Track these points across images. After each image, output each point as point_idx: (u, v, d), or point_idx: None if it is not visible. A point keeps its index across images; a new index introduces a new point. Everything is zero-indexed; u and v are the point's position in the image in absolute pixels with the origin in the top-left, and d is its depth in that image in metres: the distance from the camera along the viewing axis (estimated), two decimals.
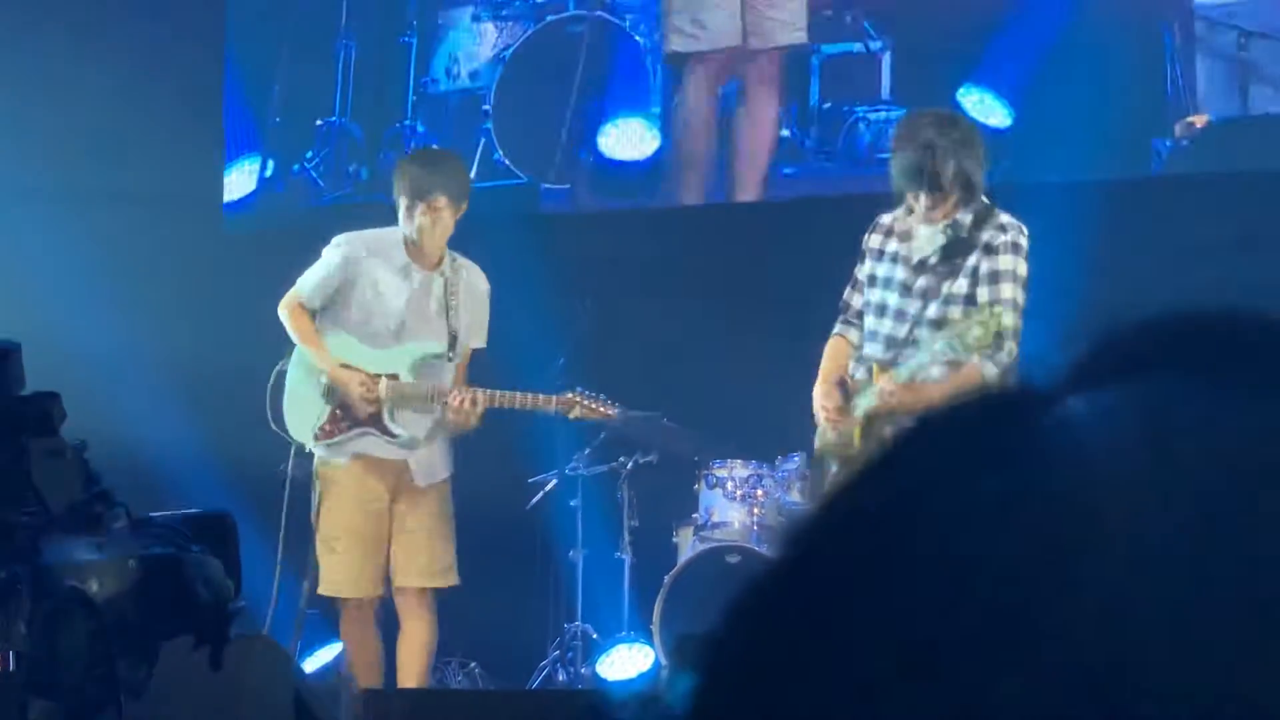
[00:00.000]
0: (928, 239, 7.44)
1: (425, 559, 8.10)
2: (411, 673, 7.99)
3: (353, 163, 11.06)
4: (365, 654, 8.02)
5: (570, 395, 8.19)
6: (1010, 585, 0.65)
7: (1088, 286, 8.34)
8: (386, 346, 8.11)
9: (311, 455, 8.13)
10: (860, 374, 7.50)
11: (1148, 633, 0.64)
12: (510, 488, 9.62)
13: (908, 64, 10.42)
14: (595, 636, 9.18)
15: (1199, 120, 9.76)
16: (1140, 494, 0.65)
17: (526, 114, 10.77)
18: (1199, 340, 0.70)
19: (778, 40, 10.42)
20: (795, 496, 8.90)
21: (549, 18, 10.85)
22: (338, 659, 8.36)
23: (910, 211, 7.45)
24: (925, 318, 7.41)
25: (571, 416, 8.27)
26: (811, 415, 7.78)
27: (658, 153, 10.67)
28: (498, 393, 8.10)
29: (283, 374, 8.11)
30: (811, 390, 7.73)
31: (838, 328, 7.64)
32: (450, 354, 8.19)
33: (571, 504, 9.48)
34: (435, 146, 9.32)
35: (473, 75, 10.92)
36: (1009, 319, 7.22)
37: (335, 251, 8.09)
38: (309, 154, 11.08)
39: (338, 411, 8.01)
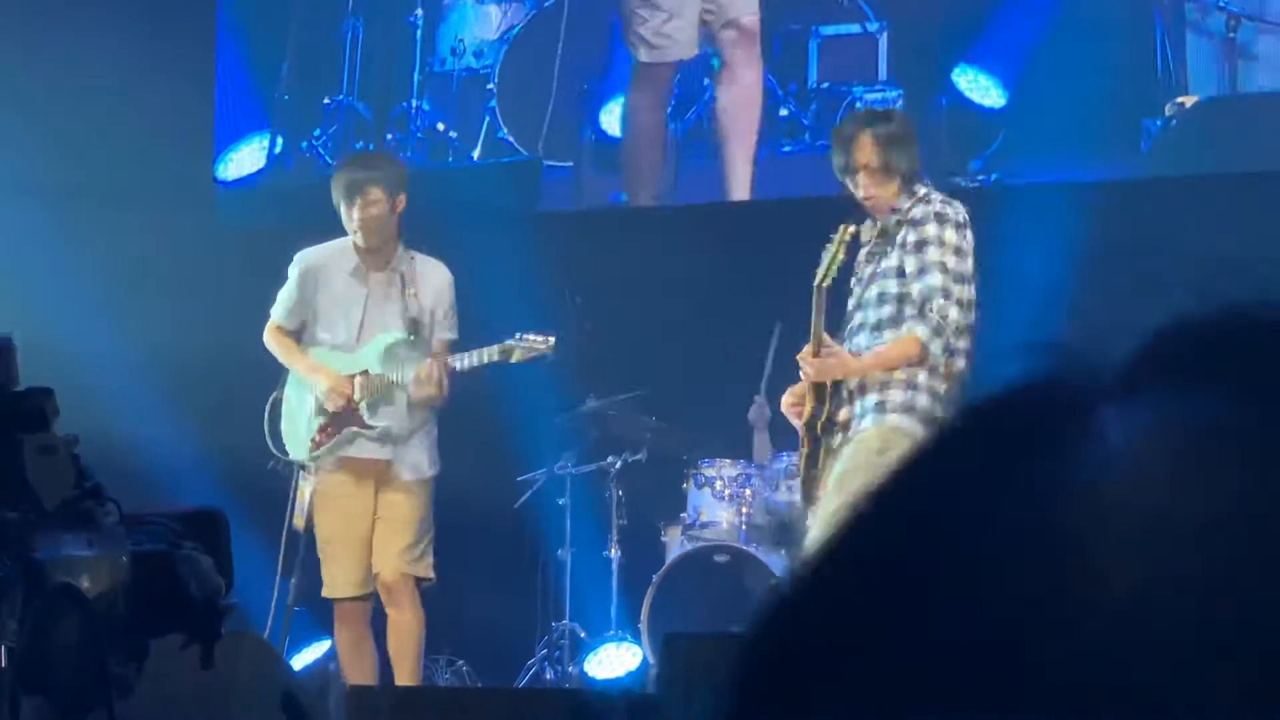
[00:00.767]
0: (870, 229, 7.59)
1: (402, 547, 8.12)
2: (403, 664, 8.07)
3: (360, 140, 11.13)
4: (359, 653, 8.07)
5: (508, 341, 8.20)
6: (1038, 604, 0.63)
7: (1078, 284, 8.38)
8: (353, 350, 8.21)
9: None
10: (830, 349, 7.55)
11: (1172, 660, 0.62)
12: (498, 486, 9.65)
13: (904, 45, 10.50)
14: (583, 635, 9.22)
15: (1188, 101, 9.77)
16: (1176, 525, 0.62)
17: (530, 92, 10.82)
18: (1242, 349, 0.67)
19: (736, 14, 10.40)
20: (784, 496, 8.90)
21: (544, 4, 10.91)
22: (326, 656, 8.38)
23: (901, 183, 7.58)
24: (866, 299, 7.54)
25: (514, 360, 8.27)
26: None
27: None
28: (449, 357, 8.18)
29: (278, 402, 8.21)
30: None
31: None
32: (412, 337, 8.20)
33: (560, 502, 9.51)
34: (362, 150, 9.22)
35: (477, 54, 11.02)
36: (935, 279, 7.31)
37: (294, 269, 8.27)
38: (317, 131, 11.18)
39: (327, 424, 8.03)
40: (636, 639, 8.91)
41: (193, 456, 8.82)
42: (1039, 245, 8.38)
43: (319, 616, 8.39)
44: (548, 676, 9.02)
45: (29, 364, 2.84)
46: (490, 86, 10.92)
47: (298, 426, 8.17)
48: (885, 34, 10.45)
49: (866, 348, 7.51)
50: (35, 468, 2.70)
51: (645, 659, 8.66)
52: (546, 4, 10.96)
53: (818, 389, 7.56)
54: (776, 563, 8.73)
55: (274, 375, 8.37)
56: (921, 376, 7.48)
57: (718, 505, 9.02)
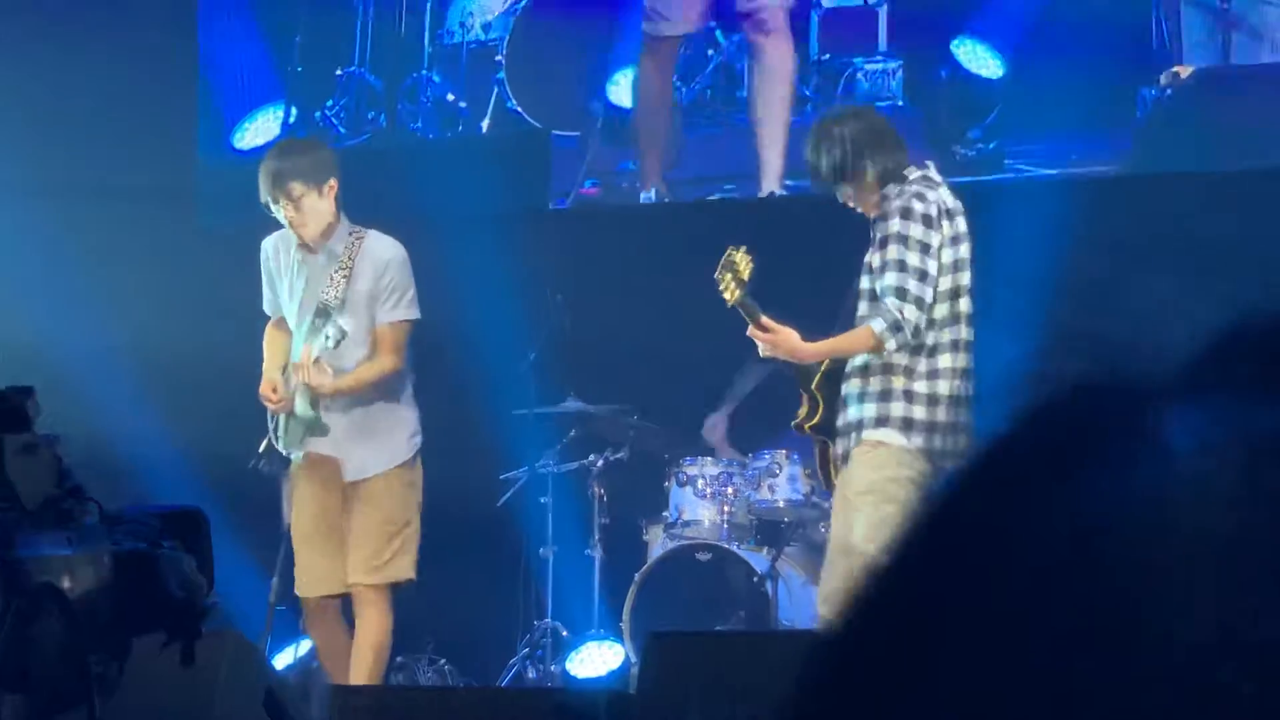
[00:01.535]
0: (888, 218, 7.51)
1: (365, 555, 8.04)
2: (360, 671, 7.95)
3: (371, 110, 11.32)
4: (331, 652, 8.02)
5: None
6: (1112, 595, 0.62)
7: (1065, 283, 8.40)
8: (302, 329, 8.16)
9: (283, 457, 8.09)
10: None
11: (1244, 654, 0.60)
12: (481, 484, 9.68)
13: (904, 17, 10.56)
14: (565, 634, 9.25)
15: (1184, 71, 9.82)
16: (1235, 520, 0.61)
17: (538, 64, 10.98)
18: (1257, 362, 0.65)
19: None
20: (765, 495, 8.92)
21: None
22: (309, 655, 8.39)
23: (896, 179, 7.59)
24: (857, 290, 7.55)
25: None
26: (785, 406, 7.84)
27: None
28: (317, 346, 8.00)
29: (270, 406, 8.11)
30: (787, 389, 7.74)
31: None
32: (320, 321, 8.07)
33: (542, 501, 9.54)
34: (283, 141, 9.25)
35: (485, 28, 11.12)
36: (890, 278, 7.32)
37: (264, 250, 8.19)
38: (329, 102, 11.28)
39: (286, 420, 8.00)
40: (619, 638, 8.92)
41: (174, 455, 8.80)
42: (1045, 238, 8.39)
43: (299, 614, 8.36)
44: (530, 675, 9.05)
45: (9, 363, 2.86)
46: (499, 58, 11.03)
47: (275, 425, 8.10)
48: (885, 6, 10.52)
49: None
50: (16, 467, 2.70)
51: (628, 658, 8.67)
52: None
53: (809, 395, 7.61)
54: (759, 561, 8.74)
55: (256, 371, 8.29)
56: (917, 386, 7.46)
57: (700, 504, 9.05)
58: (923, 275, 7.37)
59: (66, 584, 2.75)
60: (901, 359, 7.42)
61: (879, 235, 7.49)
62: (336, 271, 8.10)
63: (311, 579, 7.88)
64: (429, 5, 11.19)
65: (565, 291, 9.70)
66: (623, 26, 10.91)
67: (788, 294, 7.85)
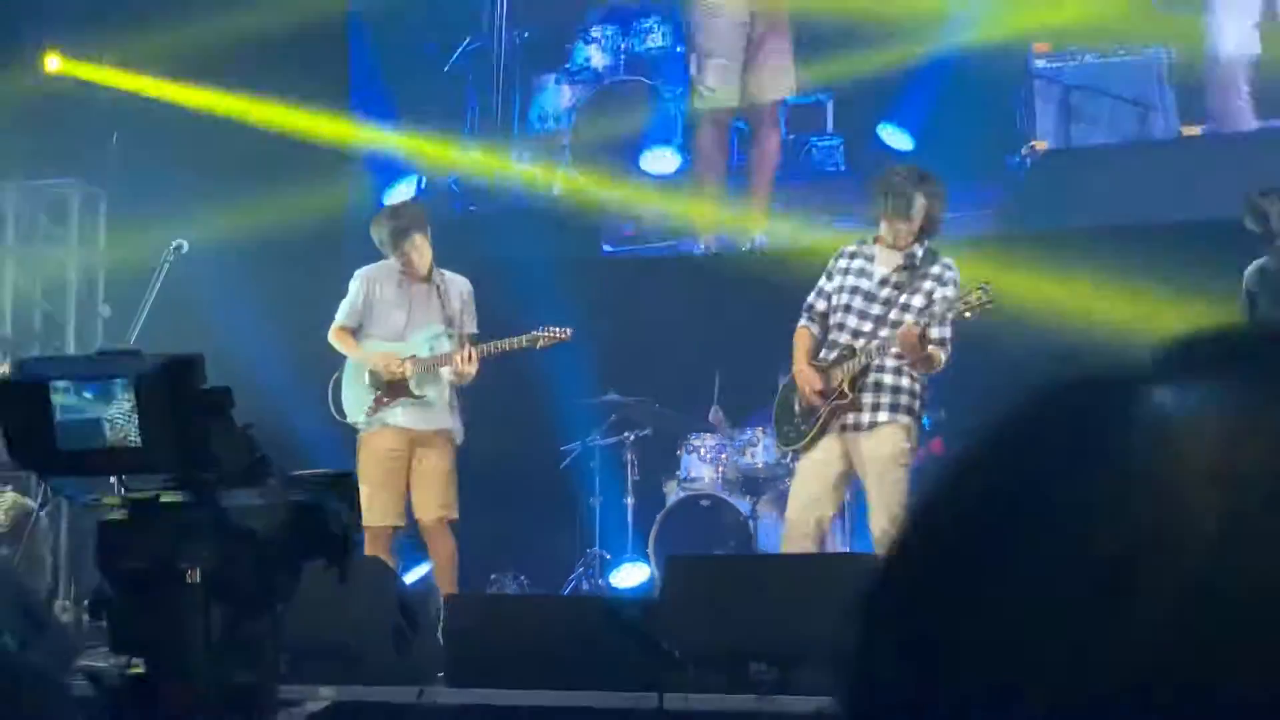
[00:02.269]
0: (886, 260, 7.06)
1: (437, 498, 7.88)
2: (444, 580, 7.84)
3: (482, 185, 10.96)
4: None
5: (534, 332, 7.97)
6: (1114, 543, 0.57)
7: None
8: (401, 339, 7.97)
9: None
10: (833, 355, 7.05)
11: (1237, 594, 0.55)
12: (548, 454, 9.66)
13: (844, 109, 10.42)
14: (608, 557, 9.23)
15: (1040, 145, 9.82)
16: (1222, 476, 0.56)
17: (596, 144, 10.74)
18: (1251, 349, 0.61)
19: (769, 96, 10.47)
20: (748, 459, 8.96)
21: (606, 81, 10.89)
22: (428, 574, 8.40)
23: (875, 241, 7.12)
24: (889, 319, 6.97)
25: (539, 346, 7.98)
26: (761, 396, 7.84)
27: (679, 169, 10.60)
28: (483, 345, 7.89)
29: (339, 381, 8.09)
30: (758, 384, 7.80)
31: (802, 322, 7.23)
32: (449, 332, 7.98)
33: (590, 465, 9.51)
34: (398, 203, 9.11)
35: (556, 119, 10.94)
36: (947, 330, 6.89)
37: (354, 282, 8.11)
38: (450, 174, 11.02)
39: (381, 395, 8.01)
40: (646, 560, 8.92)
41: (327, 432, 8.72)
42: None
43: (421, 544, 8.35)
44: (584, 587, 9.04)
45: (214, 369, 2.90)
46: (566, 140, 10.84)
47: (355, 397, 8.05)
48: (831, 100, 10.42)
49: (893, 365, 6.97)
50: (220, 445, 2.73)
51: (653, 574, 8.67)
52: (604, 84, 10.88)
53: (825, 379, 7.01)
54: (744, 506, 8.80)
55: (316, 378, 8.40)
56: (917, 387, 7.03)
57: (702, 466, 9.10)
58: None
59: (258, 526, 2.74)
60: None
61: (940, 294, 6.96)
62: (434, 298, 8.04)
63: (370, 512, 7.84)
64: (516, 106, 11.05)
65: (609, 315, 9.68)
66: (651, 118, 10.80)
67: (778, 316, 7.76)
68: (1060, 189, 9.78)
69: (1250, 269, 7.24)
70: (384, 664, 6.15)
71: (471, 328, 8.11)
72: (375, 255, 8.13)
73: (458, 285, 8.15)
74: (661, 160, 10.61)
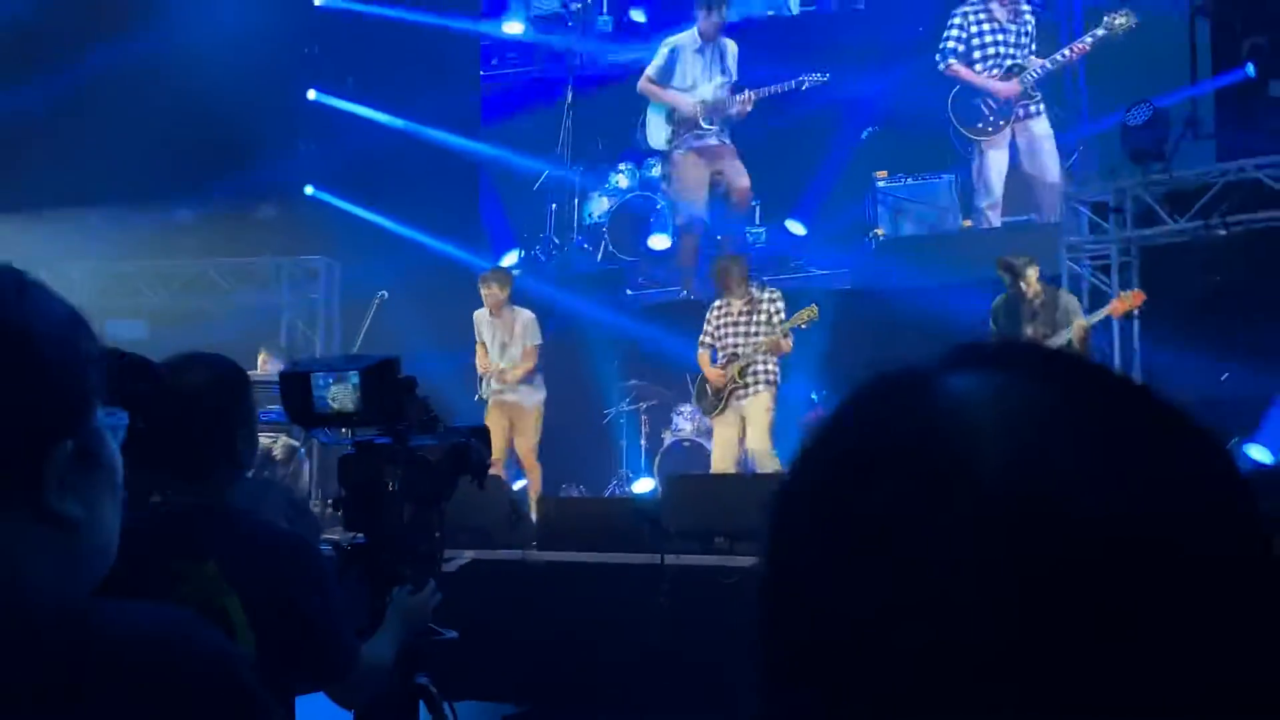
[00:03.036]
0: (739, 307, 7.18)
1: (530, 442, 7.82)
2: (534, 494, 7.62)
3: (556, 251, 10.72)
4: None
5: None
6: (923, 485, 0.48)
7: None
8: (495, 353, 7.88)
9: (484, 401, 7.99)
10: (723, 360, 7.20)
11: (1016, 504, 0.46)
12: (596, 415, 9.36)
13: (766, 207, 9.95)
14: (630, 475, 8.99)
15: (879, 232, 9.70)
16: (999, 430, 0.48)
17: (621, 233, 10.47)
18: (1006, 352, 0.52)
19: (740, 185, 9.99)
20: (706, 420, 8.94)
21: (628, 195, 10.43)
22: (524, 486, 8.39)
23: (729, 297, 7.23)
24: (749, 333, 7.12)
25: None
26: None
27: (670, 247, 10.14)
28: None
29: (480, 376, 8.02)
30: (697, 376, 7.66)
31: (700, 350, 7.39)
32: (514, 348, 7.81)
33: (621, 422, 9.26)
34: (486, 272, 8.50)
35: (599, 218, 10.51)
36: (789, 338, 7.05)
37: (475, 316, 8.02)
38: (537, 249, 10.71)
39: (491, 383, 7.98)
40: (653, 476, 8.85)
41: (467, 403, 8.62)
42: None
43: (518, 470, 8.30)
44: (616, 492, 9.02)
45: (404, 365, 2.85)
46: (605, 230, 10.47)
47: (483, 385, 7.99)
48: (759, 204, 10.01)
49: (759, 359, 7.15)
50: (409, 409, 2.68)
51: (657, 486, 8.68)
52: (626, 197, 10.42)
53: (725, 373, 7.13)
54: (708, 444, 8.62)
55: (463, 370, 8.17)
56: (772, 369, 7.09)
57: (685, 422, 8.79)
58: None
59: (431, 458, 2.66)
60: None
61: (761, 302, 7.11)
62: (515, 324, 7.87)
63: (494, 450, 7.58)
64: (575, 207, 10.70)
65: (631, 334, 9.54)
66: (655, 217, 10.35)
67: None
68: (891, 259, 9.39)
69: (995, 301, 7.10)
70: (501, 537, 6.07)
71: (533, 341, 7.88)
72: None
73: (522, 317, 7.92)
74: (660, 241, 10.32)
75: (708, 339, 7.42)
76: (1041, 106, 9.08)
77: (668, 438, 8.88)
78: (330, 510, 5.81)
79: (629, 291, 10.38)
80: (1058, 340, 6.61)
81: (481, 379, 8.03)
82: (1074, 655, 0.45)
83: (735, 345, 7.22)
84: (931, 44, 9.40)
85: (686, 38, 9.89)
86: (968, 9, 9.28)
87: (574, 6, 10.84)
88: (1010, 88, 9.12)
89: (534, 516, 6.58)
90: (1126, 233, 7.90)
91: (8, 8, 9.52)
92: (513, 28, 11.02)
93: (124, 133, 9.87)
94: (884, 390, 0.53)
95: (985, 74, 9.23)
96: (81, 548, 0.88)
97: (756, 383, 7.14)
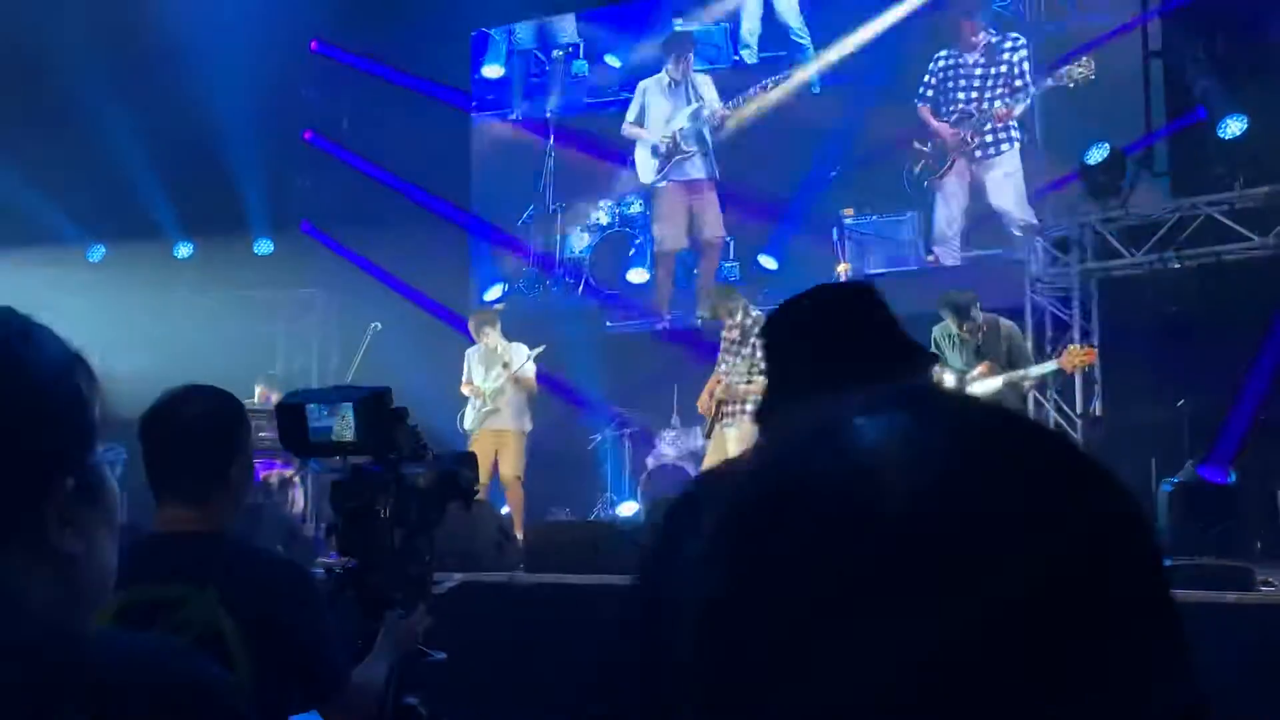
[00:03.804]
0: (732, 335, 7.09)
1: (513, 466, 7.73)
2: (516, 516, 7.61)
3: (539, 286, 10.68)
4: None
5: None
6: (833, 504, 0.48)
7: None
8: (484, 380, 7.83)
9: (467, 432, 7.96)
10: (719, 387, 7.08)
11: (913, 520, 0.47)
12: (583, 440, 9.40)
13: (740, 247, 9.91)
14: (615, 498, 9.04)
15: (845, 267, 9.75)
16: (900, 460, 0.49)
17: (602, 266, 10.49)
18: (906, 396, 0.53)
19: (710, 236, 10.07)
20: (692, 444, 8.62)
21: (607, 231, 10.48)
22: (509, 512, 8.31)
23: (731, 314, 7.14)
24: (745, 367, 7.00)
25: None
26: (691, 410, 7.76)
27: (648, 281, 10.19)
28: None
29: (461, 412, 7.98)
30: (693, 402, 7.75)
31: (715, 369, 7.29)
32: (504, 377, 7.77)
33: (605, 446, 9.29)
34: (483, 309, 8.57)
35: (581, 252, 10.53)
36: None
37: (467, 353, 8.06)
38: (520, 281, 10.70)
39: (476, 412, 7.94)
40: (637, 500, 8.89)
41: (453, 429, 8.60)
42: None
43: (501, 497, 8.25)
44: (603, 515, 9.02)
45: (395, 396, 2.80)
46: (586, 264, 10.52)
47: (468, 414, 7.93)
48: (731, 240, 10.02)
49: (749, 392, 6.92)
50: (400, 437, 2.64)
51: (640, 509, 8.66)
52: (607, 233, 10.47)
53: (718, 403, 7.10)
54: (691, 468, 8.37)
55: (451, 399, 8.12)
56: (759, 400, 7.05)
57: (668, 447, 8.86)
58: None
59: (421, 484, 2.58)
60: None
61: (752, 334, 6.90)
62: (503, 358, 7.84)
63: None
64: (558, 240, 10.58)
65: (612, 364, 9.52)
66: (635, 251, 10.35)
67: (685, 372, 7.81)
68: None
69: (936, 330, 6.86)
70: (489, 560, 6.05)
71: (529, 371, 7.88)
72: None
73: (517, 350, 7.91)
74: (638, 275, 10.28)
75: (720, 362, 7.37)
76: (1006, 146, 9.11)
77: (651, 462, 8.87)
78: (324, 536, 5.75)
79: (608, 324, 10.37)
80: (992, 384, 6.59)
81: (466, 408, 7.98)
82: (976, 690, 0.44)
83: (724, 372, 7.19)
84: (895, 88, 9.43)
85: (656, 80, 10.17)
86: (943, 54, 9.32)
87: (554, 54, 10.90)
88: (952, 135, 9.17)
89: (520, 540, 6.58)
90: (1086, 265, 7.98)
91: (8, 40, 9.55)
92: (492, 71, 11.03)
93: (124, 169, 9.90)
94: (803, 434, 0.53)
95: (949, 118, 9.29)
96: (80, 580, 0.88)
97: (742, 412, 7.08)
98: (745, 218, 9.95)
